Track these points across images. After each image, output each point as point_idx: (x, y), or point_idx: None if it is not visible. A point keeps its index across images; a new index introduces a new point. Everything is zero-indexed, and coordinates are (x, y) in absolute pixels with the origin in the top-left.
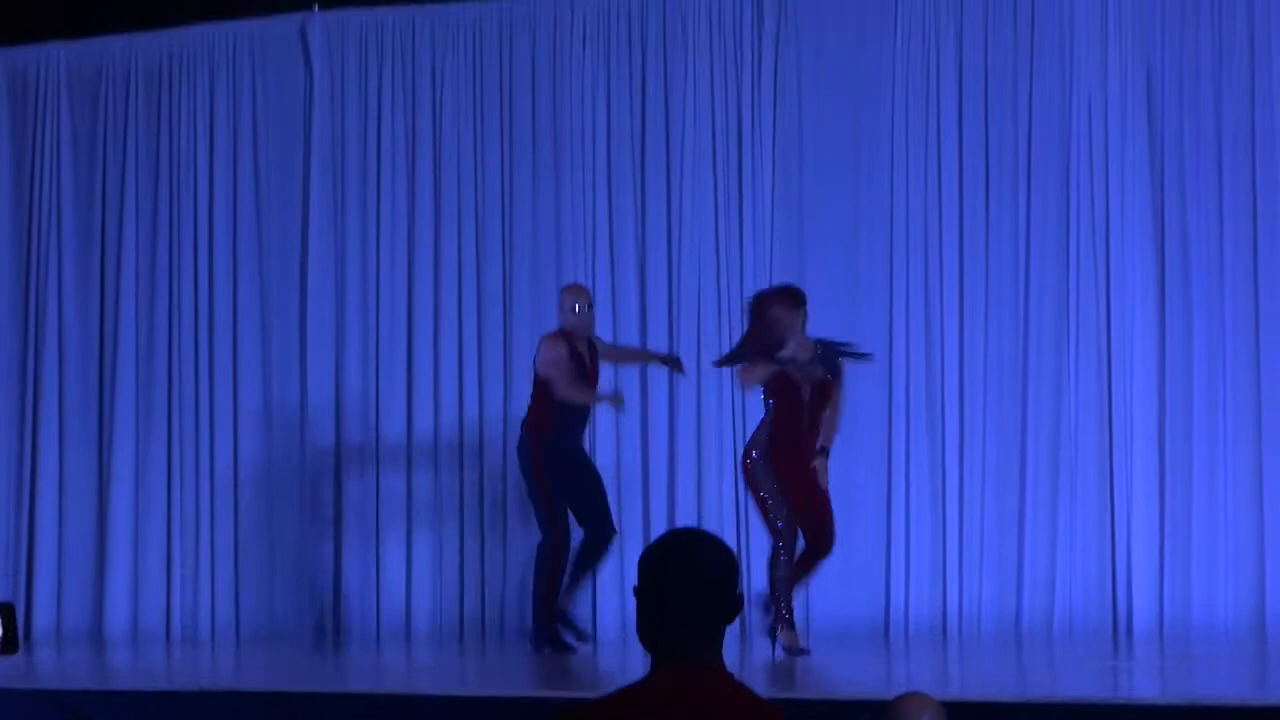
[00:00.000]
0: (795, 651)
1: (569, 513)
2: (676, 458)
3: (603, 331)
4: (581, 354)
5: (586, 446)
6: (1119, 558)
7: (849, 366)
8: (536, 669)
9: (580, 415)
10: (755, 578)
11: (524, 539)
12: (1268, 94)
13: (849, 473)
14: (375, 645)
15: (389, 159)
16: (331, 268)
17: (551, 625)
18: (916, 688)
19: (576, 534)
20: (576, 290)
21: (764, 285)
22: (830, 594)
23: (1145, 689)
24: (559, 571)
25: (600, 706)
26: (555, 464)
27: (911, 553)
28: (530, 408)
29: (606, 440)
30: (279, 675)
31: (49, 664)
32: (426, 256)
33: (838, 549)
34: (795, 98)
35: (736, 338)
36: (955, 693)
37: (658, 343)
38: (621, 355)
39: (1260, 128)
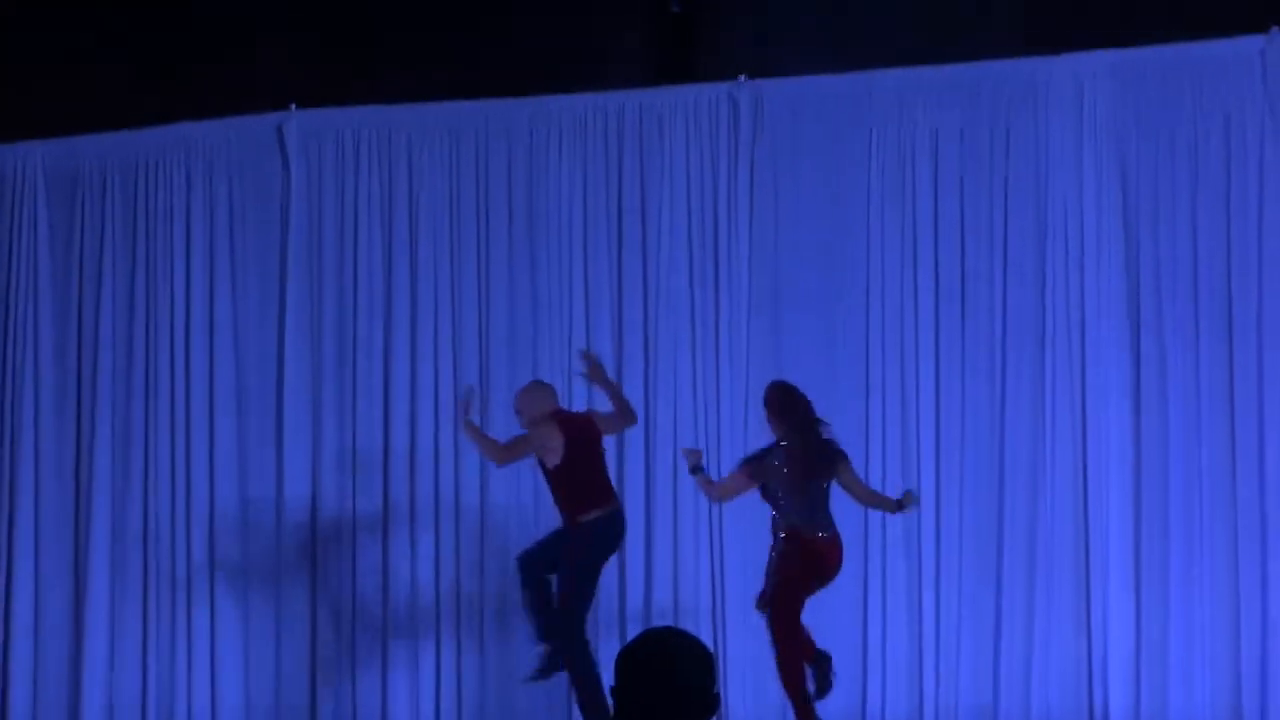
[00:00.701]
0: None
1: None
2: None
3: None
4: None
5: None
6: (1095, 654)
7: None
8: None
9: None
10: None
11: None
12: (1243, 195)
13: None
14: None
15: (365, 255)
16: (308, 363)
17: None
18: None
19: None
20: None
21: (741, 388)
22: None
23: None
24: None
25: None
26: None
27: (888, 647)
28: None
29: None
30: None
31: None
32: (403, 351)
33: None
34: (771, 194)
35: (711, 430)
36: None
37: (635, 435)
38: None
39: (1235, 229)
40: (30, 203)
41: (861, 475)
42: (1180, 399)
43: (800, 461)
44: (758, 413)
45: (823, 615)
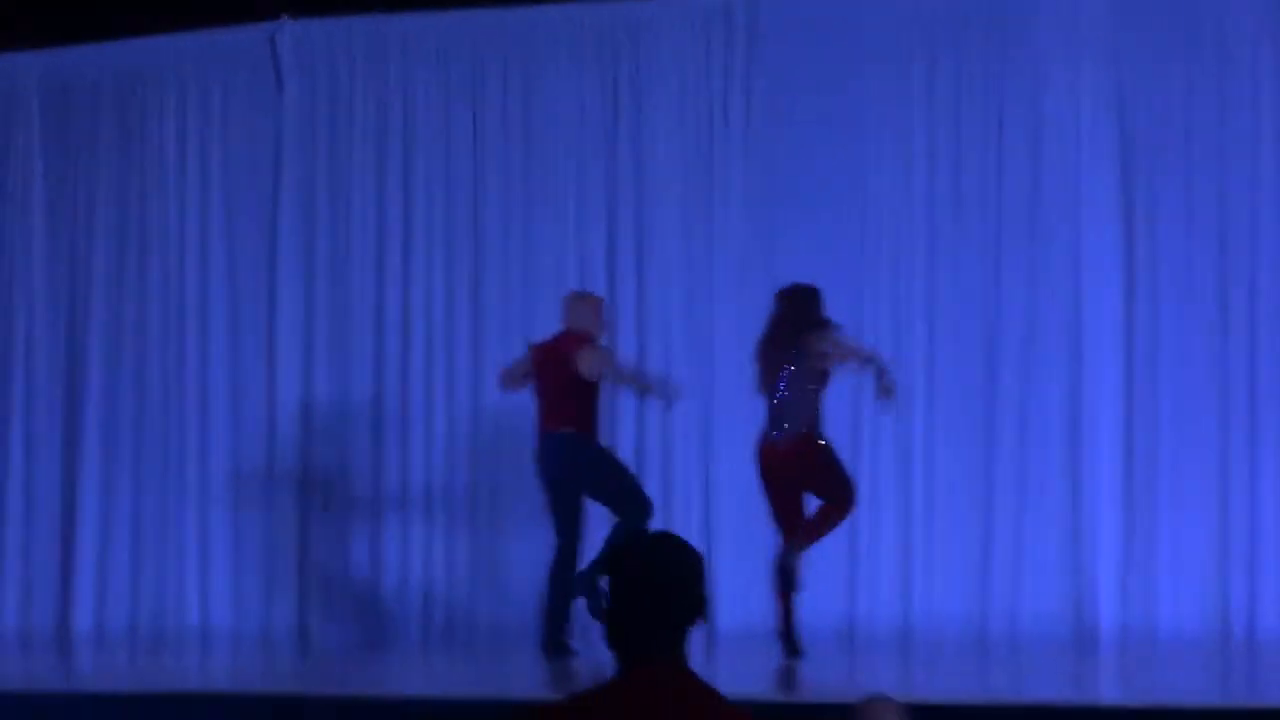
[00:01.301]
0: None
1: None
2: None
3: None
4: None
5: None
6: (1084, 562)
7: None
8: (536, 672)
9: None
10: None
11: (509, 537)
12: (1238, 80)
13: None
14: (345, 648)
15: (360, 162)
16: (301, 277)
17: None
18: (881, 691)
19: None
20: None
21: (734, 292)
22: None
23: (1109, 692)
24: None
25: (566, 707)
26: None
27: (877, 557)
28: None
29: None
30: (248, 678)
31: (14, 666)
32: (395, 263)
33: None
34: (766, 98)
35: (704, 337)
36: (919, 696)
37: (628, 344)
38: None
39: (1231, 115)
40: (23, 115)
41: (853, 386)
42: (1172, 302)
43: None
44: (753, 320)
45: None
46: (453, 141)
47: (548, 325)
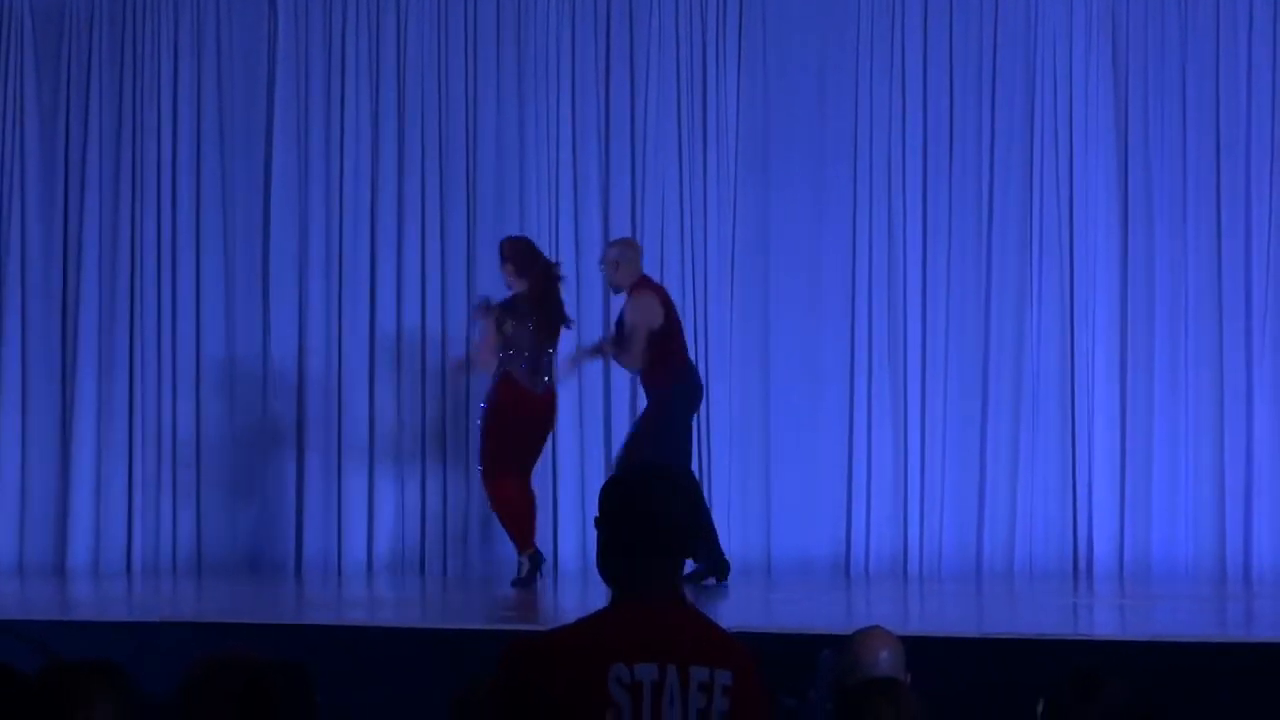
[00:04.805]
0: None
1: None
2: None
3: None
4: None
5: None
6: (1080, 496)
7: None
8: (496, 601)
9: None
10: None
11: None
12: (1232, 28)
13: (812, 412)
14: (337, 577)
15: (353, 96)
16: (295, 206)
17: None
18: (876, 623)
19: None
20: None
21: (729, 222)
22: (792, 530)
23: (1105, 625)
24: None
25: (563, 636)
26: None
27: (873, 490)
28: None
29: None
30: (240, 607)
31: (10, 595)
32: (390, 191)
33: (801, 486)
34: (760, 48)
35: (700, 282)
36: (915, 628)
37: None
38: None
39: (1224, 68)
40: (16, 41)
41: (848, 322)
42: (1168, 236)
43: None
44: (745, 261)
45: (809, 456)
46: (446, 76)
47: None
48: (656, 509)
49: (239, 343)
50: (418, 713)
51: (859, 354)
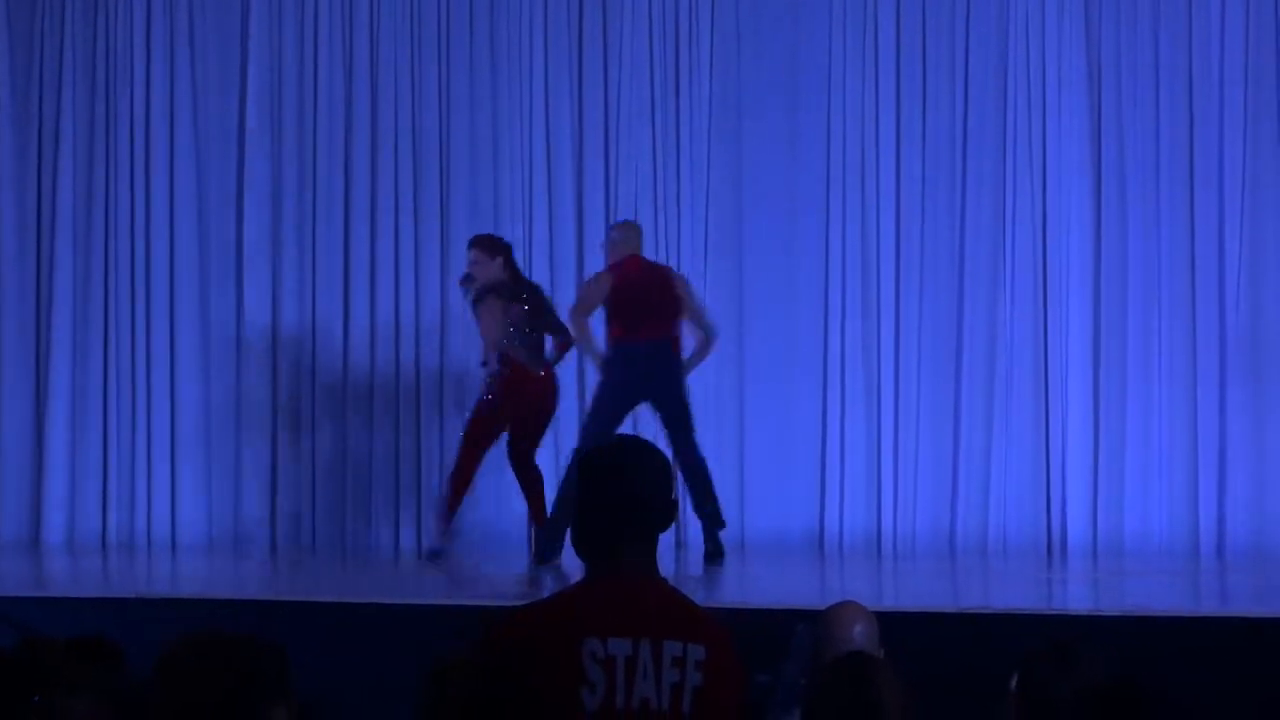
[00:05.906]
0: None
1: None
2: None
3: (539, 251)
4: None
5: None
6: (1053, 472)
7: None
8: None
9: None
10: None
11: None
12: (1204, 8)
13: (786, 387)
14: (343, 557)
15: (326, 65)
16: (269, 180)
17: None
18: (850, 598)
19: None
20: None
21: (702, 205)
22: (766, 506)
23: (1078, 601)
24: None
25: (537, 611)
26: None
27: (847, 466)
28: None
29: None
30: (216, 583)
31: None
32: (363, 167)
33: (775, 461)
34: (733, 9)
35: (672, 239)
36: (889, 603)
37: (596, 256)
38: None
39: (1197, 38)
40: None
41: (821, 293)
42: (1140, 211)
43: None
44: (717, 223)
45: (783, 433)
46: (419, 42)
47: (511, 225)
48: (630, 484)
49: (213, 323)
50: (391, 688)
51: (832, 332)
